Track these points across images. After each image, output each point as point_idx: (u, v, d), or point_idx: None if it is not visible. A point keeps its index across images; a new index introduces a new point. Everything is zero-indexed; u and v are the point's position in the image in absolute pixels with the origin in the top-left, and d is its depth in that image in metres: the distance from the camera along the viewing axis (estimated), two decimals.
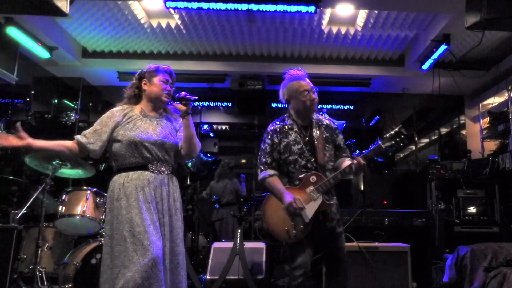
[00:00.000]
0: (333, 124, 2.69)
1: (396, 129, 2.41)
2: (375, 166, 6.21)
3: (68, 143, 2.28)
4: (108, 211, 2.24)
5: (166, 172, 2.30)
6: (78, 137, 2.29)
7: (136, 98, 2.41)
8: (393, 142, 2.41)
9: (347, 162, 2.53)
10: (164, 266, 2.15)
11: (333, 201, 2.54)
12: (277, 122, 2.64)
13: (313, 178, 2.45)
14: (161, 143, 2.29)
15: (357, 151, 2.57)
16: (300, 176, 2.49)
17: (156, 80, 2.36)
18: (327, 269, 2.61)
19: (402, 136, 2.40)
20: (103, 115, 2.35)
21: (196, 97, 2.34)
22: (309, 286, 2.45)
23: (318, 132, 2.57)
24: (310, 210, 2.42)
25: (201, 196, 6.28)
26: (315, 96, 2.56)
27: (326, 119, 2.69)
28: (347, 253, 2.64)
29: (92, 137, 2.27)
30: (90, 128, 2.32)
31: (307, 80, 2.61)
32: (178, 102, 2.34)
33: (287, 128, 2.58)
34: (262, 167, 2.56)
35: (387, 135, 2.42)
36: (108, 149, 2.33)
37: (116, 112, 2.34)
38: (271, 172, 2.53)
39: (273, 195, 2.52)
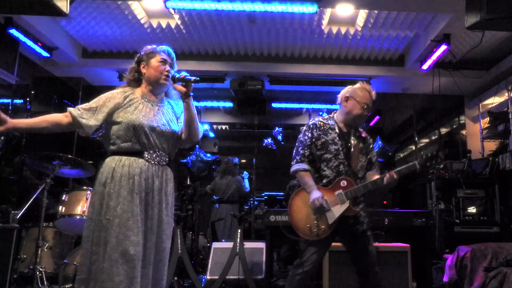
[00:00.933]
0: (370, 139, 2.75)
1: (434, 152, 2.51)
2: None
3: (55, 117, 2.16)
4: (94, 193, 2.15)
5: (161, 163, 2.20)
6: (71, 109, 2.16)
7: (136, 82, 2.31)
8: (428, 164, 2.51)
9: (376, 175, 2.59)
10: (147, 261, 2.09)
11: (361, 206, 2.59)
12: (320, 119, 2.69)
13: (343, 183, 2.51)
14: (160, 130, 2.19)
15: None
16: (330, 176, 2.54)
17: (154, 61, 2.25)
18: (359, 271, 2.61)
19: (438, 160, 2.50)
20: (102, 95, 2.24)
21: (197, 78, 2.20)
22: (310, 284, 2.50)
23: (356, 141, 2.63)
24: (335, 212, 2.47)
25: (204, 190, 6.28)
26: (366, 114, 2.61)
27: (364, 133, 2.74)
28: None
29: (85, 113, 2.16)
30: (86, 104, 2.20)
31: (372, 100, 2.65)
32: (178, 83, 2.23)
33: (328, 126, 2.63)
34: (298, 158, 2.61)
35: (425, 156, 2.51)
36: (105, 131, 2.24)
37: (116, 94, 2.24)
38: (306, 166, 2.58)
39: (303, 189, 2.58)
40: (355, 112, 2.59)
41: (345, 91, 2.68)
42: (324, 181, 2.55)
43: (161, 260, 2.17)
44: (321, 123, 2.65)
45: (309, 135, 2.62)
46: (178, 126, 2.30)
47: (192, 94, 2.22)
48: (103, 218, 2.05)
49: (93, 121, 2.15)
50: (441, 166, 2.56)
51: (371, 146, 2.72)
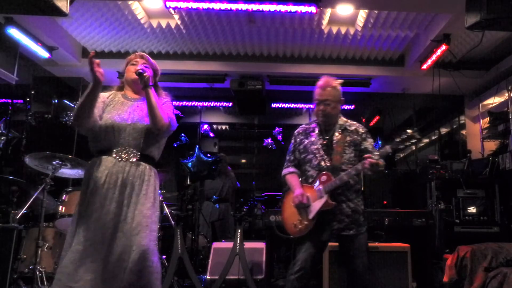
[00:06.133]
0: (362, 129, 2.74)
1: (410, 131, 2.48)
2: None
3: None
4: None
5: (131, 159, 2.23)
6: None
7: (121, 88, 2.52)
8: (400, 146, 2.51)
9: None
10: (98, 256, 2.08)
11: (344, 205, 2.56)
12: (304, 125, 2.86)
13: (323, 178, 2.58)
14: (133, 126, 2.26)
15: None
16: (314, 174, 2.64)
17: (129, 66, 2.46)
18: (347, 272, 2.66)
19: (414, 140, 2.52)
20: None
21: (140, 71, 2.28)
22: (306, 283, 2.50)
23: (339, 136, 2.67)
24: (315, 207, 2.55)
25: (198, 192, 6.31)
26: (322, 108, 2.65)
27: (355, 125, 2.76)
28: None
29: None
30: None
31: (327, 90, 2.68)
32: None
33: (310, 130, 2.78)
34: (285, 164, 2.84)
35: (397, 139, 2.49)
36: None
37: (102, 95, 2.40)
38: (292, 170, 2.78)
39: (291, 191, 2.71)
40: (316, 112, 2.72)
41: None
42: (310, 180, 2.65)
43: (122, 258, 2.06)
44: (304, 128, 2.82)
45: (293, 142, 2.83)
46: None
47: (152, 84, 2.30)
48: (75, 215, 2.19)
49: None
50: (416, 139, 2.48)
51: (363, 136, 2.70)
